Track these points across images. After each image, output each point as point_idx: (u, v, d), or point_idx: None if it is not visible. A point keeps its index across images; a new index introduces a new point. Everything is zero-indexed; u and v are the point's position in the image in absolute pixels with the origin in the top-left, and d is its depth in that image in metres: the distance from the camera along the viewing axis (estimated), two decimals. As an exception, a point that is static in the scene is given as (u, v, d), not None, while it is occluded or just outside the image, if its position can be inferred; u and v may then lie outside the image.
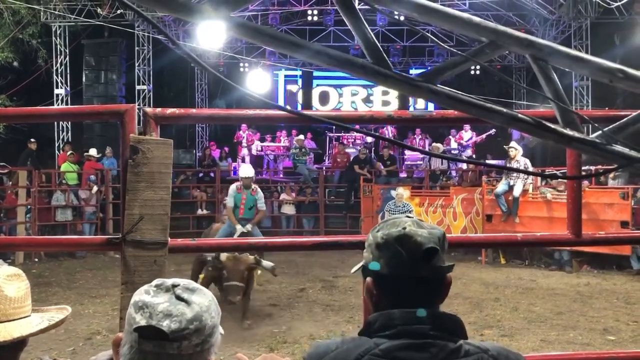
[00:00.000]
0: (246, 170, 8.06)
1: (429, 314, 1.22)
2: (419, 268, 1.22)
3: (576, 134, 1.37)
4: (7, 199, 12.53)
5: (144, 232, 1.88)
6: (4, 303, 1.73)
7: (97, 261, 11.44)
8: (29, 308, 1.81)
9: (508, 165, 10.76)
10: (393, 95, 20.12)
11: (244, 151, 17.73)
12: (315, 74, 19.60)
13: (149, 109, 2.00)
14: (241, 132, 17.74)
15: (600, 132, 1.41)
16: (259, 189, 7.95)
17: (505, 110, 1.33)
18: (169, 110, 2.03)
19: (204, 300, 1.13)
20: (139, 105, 14.77)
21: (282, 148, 17.94)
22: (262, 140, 18.30)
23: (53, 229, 12.63)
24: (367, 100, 20.79)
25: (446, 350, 1.19)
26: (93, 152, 14.35)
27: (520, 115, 1.34)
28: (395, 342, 1.19)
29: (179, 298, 1.11)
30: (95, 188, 13.34)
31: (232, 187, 7.84)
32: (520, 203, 11.11)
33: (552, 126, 1.34)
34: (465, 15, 1.29)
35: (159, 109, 2.03)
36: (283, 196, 14.62)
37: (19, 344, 1.75)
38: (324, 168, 16.66)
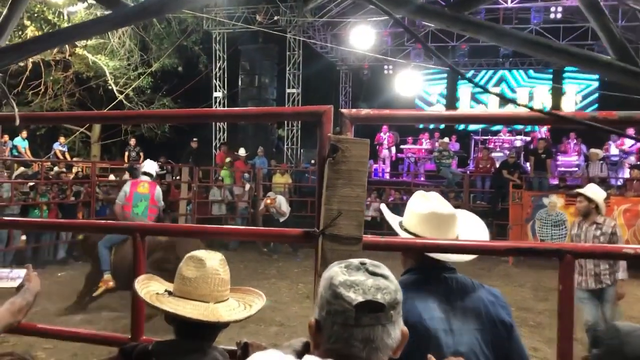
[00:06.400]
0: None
1: None
2: None
3: None
4: (170, 193, 13.72)
5: (340, 227, 1.96)
6: (222, 285, 1.92)
7: (248, 254, 12.08)
8: (229, 291, 1.99)
9: None
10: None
11: (385, 152, 17.73)
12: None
13: (345, 110, 2.08)
14: (382, 133, 17.71)
15: None
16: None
17: None
18: (364, 111, 2.09)
19: (390, 272, 1.24)
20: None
21: (423, 151, 17.68)
22: (402, 142, 18.16)
23: (209, 221, 13.60)
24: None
25: None
26: (241, 151, 15.28)
27: None
28: None
29: (374, 274, 1.19)
30: (247, 185, 14.16)
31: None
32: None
33: None
34: None
35: (354, 110, 2.10)
36: (425, 200, 14.39)
37: (225, 324, 1.92)
38: (468, 172, 16.13)
